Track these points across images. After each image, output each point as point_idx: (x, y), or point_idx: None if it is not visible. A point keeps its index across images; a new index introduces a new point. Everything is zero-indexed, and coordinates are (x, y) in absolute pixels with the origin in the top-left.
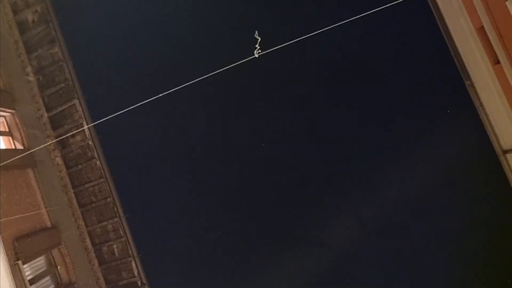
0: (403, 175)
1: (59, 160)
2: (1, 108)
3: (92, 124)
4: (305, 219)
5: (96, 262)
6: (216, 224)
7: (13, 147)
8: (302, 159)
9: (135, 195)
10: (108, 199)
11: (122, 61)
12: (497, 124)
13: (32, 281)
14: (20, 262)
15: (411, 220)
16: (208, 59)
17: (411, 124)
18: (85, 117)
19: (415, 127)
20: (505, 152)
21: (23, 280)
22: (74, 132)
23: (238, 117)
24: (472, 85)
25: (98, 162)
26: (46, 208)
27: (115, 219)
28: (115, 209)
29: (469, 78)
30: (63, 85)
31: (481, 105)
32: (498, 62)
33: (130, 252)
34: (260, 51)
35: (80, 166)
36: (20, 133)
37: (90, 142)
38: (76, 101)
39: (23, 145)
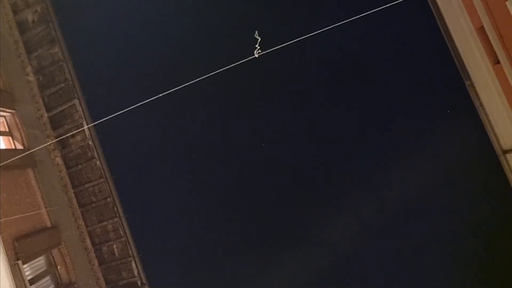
0: (403, 175)
1: (59, 160)
2: (1, 108)
3: (92, 124)
4: (305, 219)
5: (96, 262)
6: (216, 224)
7: (13, 147)
8: (302, 159)
9: (135, 195)
10: (108, 199)
11: (122, 61)
12: (497, 124)
13: (32, 281)
14: (20, 262)
15: (411, 220)
16: (208, 59)
17: (411, 124)
18: (85, 117)
19: (415, 127)
20: (505, 152)
21: (23, 280)
22: (74, 132)
23: (238, 117)
24: (472, 85)
25: (98, 162)
26: (46, 208)
27: (115, 219)
28: (115, 209)
29: (469, 78)
30: (63, 85)
31: (481, 105)
32: (498, 62)
33: (130, 252)
34: (260, 51)
35: (80, 166)
36: (20, 133)
37: (90, 142)
38: (76, 101)
39: (23, 145)
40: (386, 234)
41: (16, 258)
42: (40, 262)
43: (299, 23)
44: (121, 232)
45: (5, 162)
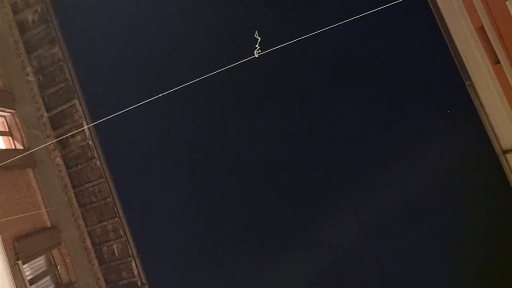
0: (403, 175)
1: (59, 160)
2: (1, 108)
3: (92, 124)
4: (305, 219)
5: (96, 262)
6: (216, 224)
7: (13, 147)
8: (302, 159)
9: (135, 195)
10: (108, 199)
11: (122, 61)
12: (497, 124)
13: (32, 281)
14: (20, 262)
15: (411, 220)
16: (208, 59)
17: (411, 124)
18: (85, 117)
19: (415, 127)
20: (505, 152)
21: (23, 280)
22: (74, 132)
23: (238, 117)
24: (472, 85)
25: (98, 162)
26: (46, 208)
27: (115, 219)
28: (115, 209)
29: (469, 78)
30: (63, 85)
31: (481, 105)
32: (498, 62)
33: (130, 252)
34: (260, 51)
35: (80, 166)
36: (20, 133)
37: (90, 142)
38: (76, 101)
39: (23, 145)
40: (386, 234)
41: (16, 258)
42: (40, 262)
43: (299, 23)
44: (121, 232)
45: (5, 162)
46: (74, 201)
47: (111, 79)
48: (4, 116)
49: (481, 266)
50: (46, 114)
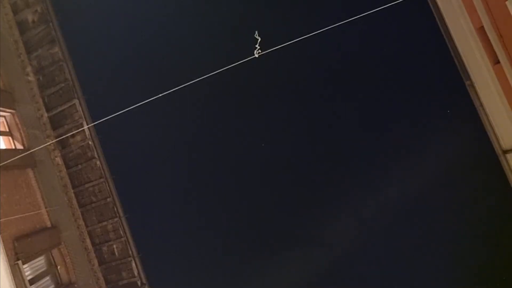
0: (403, 175)
1: (59, 160)
2: (1, 108)
3: (92, 124)
4: (305, 219)
5: (96, 262)
6: (216, 224)
7: (13, 147)
8: (302, 159)
9: (135, 195)
10: (108, 199)
11: (122, 61)
12: (497, 124)
13: (32, 281)
14: (20, 262)
15: (411, 220)
16: (208, 59)
17: (411, 124)
18: (85, 117)
19: (415, 127)
20: (505, 152)
21: (23, 280)
22: (74, 132)
23: (238, 117)
24: (472, 85)
25: (98, 162)
26: (46, 208)
27: (115, 219)
28: (115, 209)
29: (469, 78)
30: (63, 85)
31: (481, 105)
32: (498, 62)
33: (130, 252)
34: (260, 51)
35: (80, 166)
36: (20, 133)
37: (90, 142)
38: (76, 101)
39: (23, 145)
40: (386, 234)
41: (16, 258)
42: (40, 262)
43: (299, 23)
44: (121, 232)
45: (5, 162)
46: (74, 201)
47: (111, 79)
48: (4, 116)
49: (481, 266)
50: (46, 114)
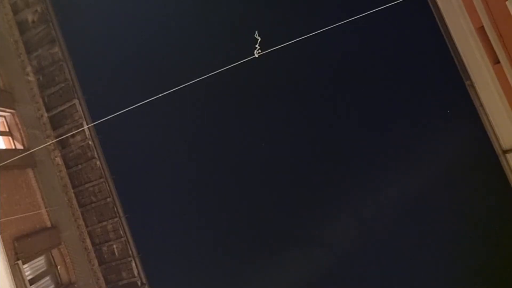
0: (403, 175)
1: (59, 160)
2: (1, 108)
3: (92, 124)
4: (305, 219)
5: (96, 262)
6: (216, 224)
7: (13, 147)
8: (302, 159)
9: (135, 195)
10: (108, 199)
11: (122, 61)
12: (497, 124)
13: (32, 281)
14: (20, 262)
15: (411, 220)
16: (208, 59)
17: (411, 124)
18: (85, 117)
19: (415, 127)
20: (505, 152)
21: (23, 280)
22: (74, 132)
23: (238, 117)
24: (472, 85)
25: (98, 162)
26: (46, 208)
27: (115, 219)
28: (115, 209)
29: (469, 78)
30: (63, 85)
31: (481, 105)
32: (498, 62)
33: (130, 252)
34: (260, 51)
35: (80, 166)
36: (20, 133)
37: (90, 142)
38: (76, 101)
39: (23, 145)
40: (386, 234)
41: (16, 258)
42: (40, 262)
43: (299, 23)
44: (121, 232)
45: (5, 162)
46: (74, 201)
47: (111, 79)
48: (4, 116)
49: (481, 266)
50: (46, 114)
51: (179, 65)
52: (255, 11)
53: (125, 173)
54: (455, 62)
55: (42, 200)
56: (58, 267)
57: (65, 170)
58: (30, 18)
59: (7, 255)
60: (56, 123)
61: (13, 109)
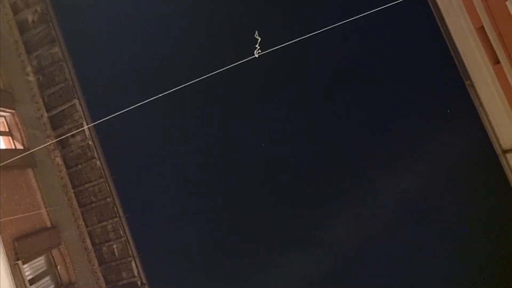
0: (403, 175)
1: (59, 160)
2: (1, 108)
3: (92, 124)
4: (305, 219)
5: (96, 262)
6: (216, 224)
7: (13, 147)
8: (302, 159)
9: (135, 195)
10: (108, 199)
11: (122, 61)
12: (497, 124)
13: (32, 281)
14: (20, 262)
15: (411, 220)
16: (208, 59)
17: (411, 124)
18: (85, 117)
19: (415, 127)
20: (505, 152)
21: (23, 280)
22: (74, 132)
23: (238, 117)
24: (472, 85)
25: (98, 162)
26: (46, 208)
27: (115, 219)
28: (115, 209)
29: (469, 78)
30: (63, 85)
31: (481, 105)
32: (498, 62)
33: (130, 252)
34: (260, 51)
35: (80, 166)
36: (20, 133)
37: (90, 142)
38: (76, 101)
39: (23, 145)
40: (386, 234)
41: (16, 258)
42: (40, 262)
43: (299, 23)
44: (121, 232)
45: (5, 162)
46: (74, 201)
47: (111, 79)
48: (4, 116)
49: (481, 266)
50: (46, 114)
51: (179, 65)
52: (255, 11)
53: (125, 173)
54: (455, 62)
55: (42, 200)
56: (58, 267)
57: (65, 170)
58: (30, 18)
59: (7, 255)
60: (56, 123)
61: (13, 109)
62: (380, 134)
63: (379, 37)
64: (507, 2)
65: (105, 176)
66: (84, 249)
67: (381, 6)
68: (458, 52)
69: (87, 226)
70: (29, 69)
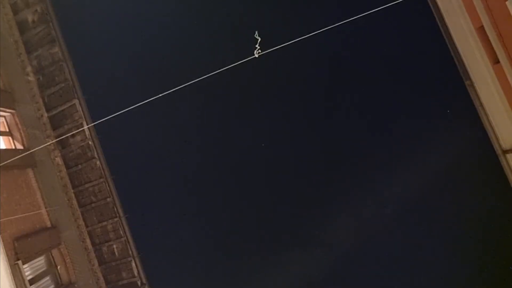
0: (403, 175)
1: (59, 160)
2: (1, 108)
3: (92, 124)
4: (305, 219)
5: (96, 262)
6: (216, 224)
7: (13, 147)
8: (302, 159)
9: (135, 195)
10: (108, 199)
11: (122, 61)
12: (497, 124)
13: (32, 281)
14: (20, 262)
15: (411, 220)
16: (208, 59)
17: (411, 124)
18: (85, 117)
19: (415, 127)
20: (505, 152)
21: (23, 280)
22: (74, 132)
23: (238, 117)
24: (472, 85)
25: (98, 162)
26: (46, 208)
27: (115, 219)
28: (115, 209)
29: (469, 78)
30: (63, 85)
31: (481, 105)
32: (498, 62)
33: (130, 252)
34: (260, 51)
35: (80, 166)
36: (20, 133)
37: (90, 142)
38: (76, 101)
39: (23, 145)
40: (386, 234)
41: (16, 258)
42: (40, 262)
43: (299, 23)
44: (121, 232)
45: (5, 162)
46: (74, 201)
47: (111, 79)
48: (4, 116)
49: (481, 266)
50: (46, 114)
51: (179, 65)
52: (255, 11)
53: (125, 173)
54: (455, 62)
55: (42, 200)
56: (58, 267)
57: (65, 170)
58: (30, 18)
59: (7, 255)
60: (56, 123)
61: (13, 109)
62: (380, 134)
63: (379, 37)
64: (507, 2)
65: (105, 176)
66: (84, 249)
67: (381, 6)
68: (458, 52)
69: (87, 226)
70: (29, 69)
